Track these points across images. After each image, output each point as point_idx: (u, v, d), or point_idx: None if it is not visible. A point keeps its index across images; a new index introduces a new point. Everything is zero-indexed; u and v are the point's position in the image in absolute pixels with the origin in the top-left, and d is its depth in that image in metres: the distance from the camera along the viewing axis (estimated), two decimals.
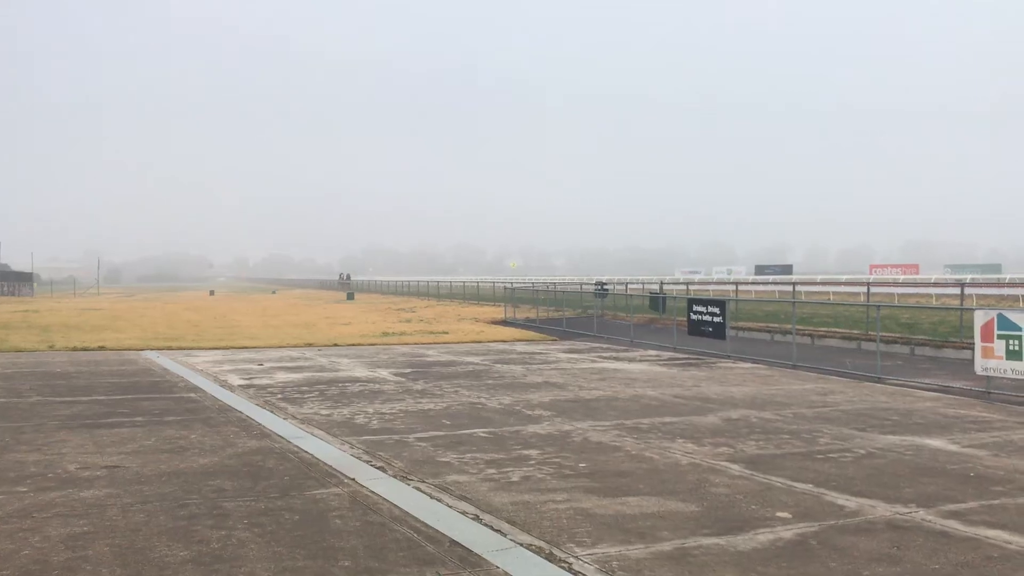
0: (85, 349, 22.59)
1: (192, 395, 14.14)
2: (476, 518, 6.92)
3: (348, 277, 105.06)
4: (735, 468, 8.71)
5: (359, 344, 24.52)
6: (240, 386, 15.29)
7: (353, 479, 8.20)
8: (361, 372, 17.45)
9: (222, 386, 15.27)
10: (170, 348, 23.01)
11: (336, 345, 24.19)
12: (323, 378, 16.46)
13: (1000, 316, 13.94)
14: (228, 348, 23.39)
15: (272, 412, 12.37)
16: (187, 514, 6.96)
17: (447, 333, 28.12)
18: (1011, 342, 13.57)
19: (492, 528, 6.66)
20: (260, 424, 11.35)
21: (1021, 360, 13.39)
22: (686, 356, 20.79)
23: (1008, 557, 5.94)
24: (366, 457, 9.26)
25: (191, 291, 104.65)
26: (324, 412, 12.37)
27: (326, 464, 8.89)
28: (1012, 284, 45.88)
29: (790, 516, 6.96)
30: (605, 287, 41.69)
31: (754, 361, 19.35)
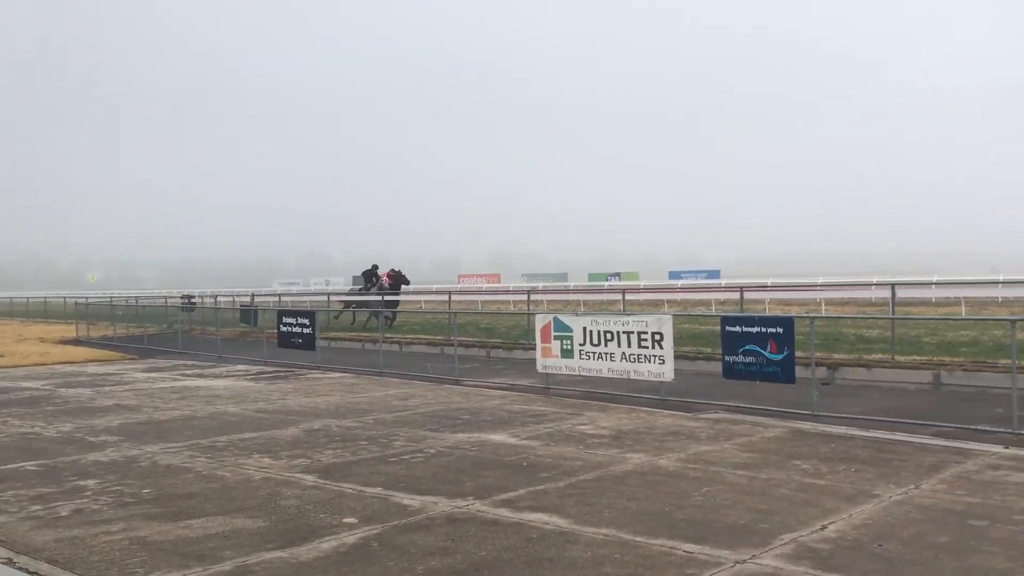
0: None
1: None
2: (9, 562, 6.14)
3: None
4: (309, 479, 8.68)
5: None
6: None
7: None
8: None
9: None
10: None
11: None
12: None
13: (556, 319, 15.51)
14: None
15: None
16: None
17: (3, 356, 24.88)
18: (565, 342, 15.15)
19: (28, 571, 5.94)
20: None
21: (573, 358, 15.00)
22: (276, 369, 20.46)
23: (544, 537, 6.56)
24: None
25: None
26: None
27: None
28: (576, 291, 51.48)
29: (356, 521, 7.08)
30: (192, 300, 39.77)
31: (343, 371, 19.58)
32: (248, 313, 32.94)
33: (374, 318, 29.18)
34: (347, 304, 33.23)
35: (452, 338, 20.32)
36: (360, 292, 33.91)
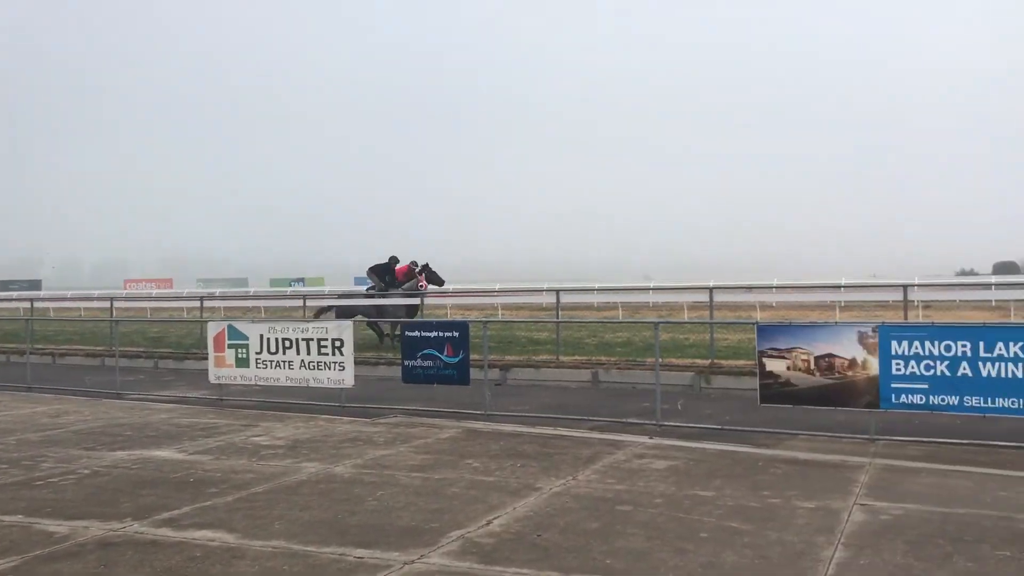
0: None
1: None
2: None
3: None
4: None
5: None
6: None
7: None
8: None
9: None
10: None
11: None
12: None
13: (230, 327, 14.87)
14: None
15: None
16: None
17: None
18: (240, 350, 14.57)
19: None
20: None
21: (249, 367, 14.47)
22: None
23: (209, 554, 6.24)
24: None
25: None
26: None
27: None
28: (256, 296, 49.62)
29: None
30: None
31: None
32: None
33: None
34: (374, 316, 22.09)
35: (114, 348, 18.82)
36: (374, 294, 23.42)
